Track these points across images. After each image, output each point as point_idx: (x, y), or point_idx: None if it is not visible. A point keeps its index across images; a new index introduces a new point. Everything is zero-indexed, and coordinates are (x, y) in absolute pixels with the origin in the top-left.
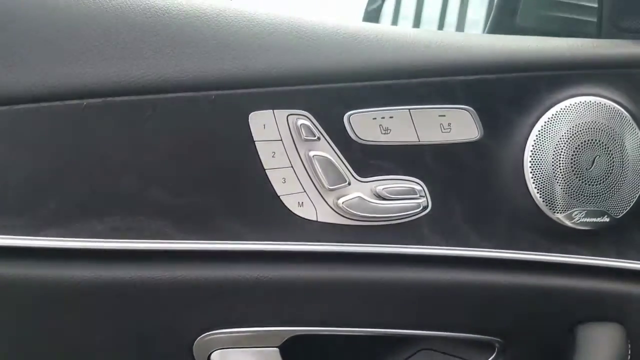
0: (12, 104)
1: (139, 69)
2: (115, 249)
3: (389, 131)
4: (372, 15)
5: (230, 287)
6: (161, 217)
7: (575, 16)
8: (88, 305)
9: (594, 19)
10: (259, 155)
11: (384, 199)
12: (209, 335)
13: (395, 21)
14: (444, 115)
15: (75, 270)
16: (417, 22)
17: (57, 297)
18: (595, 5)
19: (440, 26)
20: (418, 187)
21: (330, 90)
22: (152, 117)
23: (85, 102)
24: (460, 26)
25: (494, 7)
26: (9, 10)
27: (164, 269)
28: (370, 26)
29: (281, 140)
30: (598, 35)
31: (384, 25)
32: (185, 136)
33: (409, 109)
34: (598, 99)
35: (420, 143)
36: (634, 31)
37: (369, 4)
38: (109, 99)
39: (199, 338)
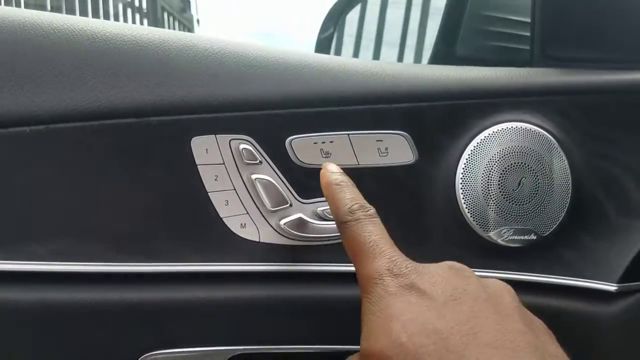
0: None
1: (80, 95)
2: (55, 271)
3: (329, 155)
4: (324, 42)
5: (171, 308)
6: (102, 240)
7: (512, 45)
8: (27, 327)
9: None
10: (201, 179)
11: (324, 219)
12: (150, 356)
13: (358, 42)
14: (382, 140)
15: (14, 293)
16: (378, 44)
17: None
18: None
19: (401, 49)
20: None
21: (272, 116)
22: (95, 143)
23: (28, 129)
24: (419, 49)
25: (435, 37)
26: None
27: (104, 291)
28: (314, 56)
29: (224, 164)
30: (530, 63)
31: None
32: (127, 161)
33: (349, 134)
34: (524, 125)
35: (359, 166)
36: (562, 60)
37: (321, 32)
38: (52, 125)
39: (140, 359)
